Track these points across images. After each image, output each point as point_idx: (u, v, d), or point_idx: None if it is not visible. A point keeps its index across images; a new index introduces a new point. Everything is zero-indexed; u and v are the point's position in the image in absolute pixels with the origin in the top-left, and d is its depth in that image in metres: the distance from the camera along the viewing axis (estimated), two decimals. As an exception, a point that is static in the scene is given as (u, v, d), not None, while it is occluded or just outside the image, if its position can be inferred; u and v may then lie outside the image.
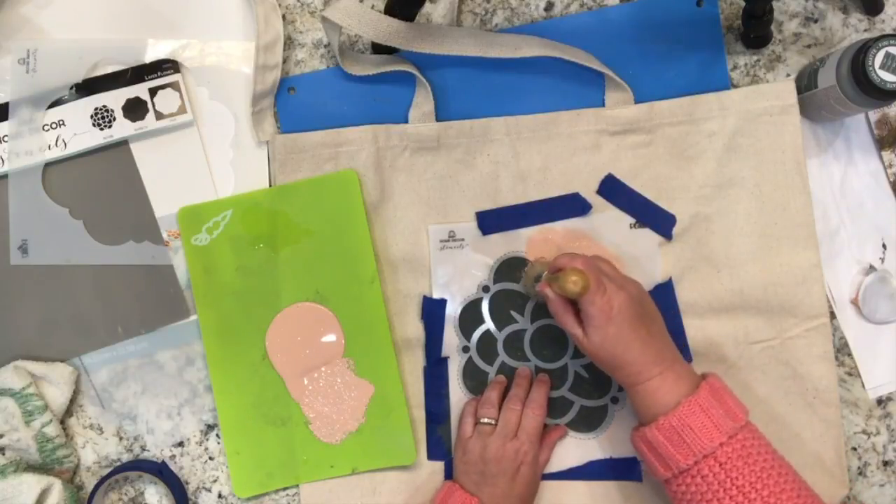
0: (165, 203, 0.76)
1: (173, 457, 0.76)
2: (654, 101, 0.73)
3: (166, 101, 0.75)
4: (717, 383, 0.63)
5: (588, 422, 0.74)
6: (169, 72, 0.75)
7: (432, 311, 0.74)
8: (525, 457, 0.69)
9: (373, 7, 0.72)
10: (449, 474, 0.73)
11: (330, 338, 0.74)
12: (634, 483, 0.73)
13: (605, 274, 0.64)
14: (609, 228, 0.73)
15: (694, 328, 0.72)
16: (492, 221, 0.74)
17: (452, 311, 0.74)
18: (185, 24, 0.76)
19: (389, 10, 0.70)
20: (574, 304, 0.65)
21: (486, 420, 0.70)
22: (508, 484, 0.68)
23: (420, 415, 0.75)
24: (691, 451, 0.60)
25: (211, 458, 0.76)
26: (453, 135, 0.74)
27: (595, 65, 0.72)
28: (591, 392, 0.74)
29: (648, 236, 0.73)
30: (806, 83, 0.71)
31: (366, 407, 0.74)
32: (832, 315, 0.73)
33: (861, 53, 0.64)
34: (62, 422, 0.75)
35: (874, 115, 0.74)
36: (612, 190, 0.73)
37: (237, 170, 0.76)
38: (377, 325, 0.74)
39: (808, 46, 0.75)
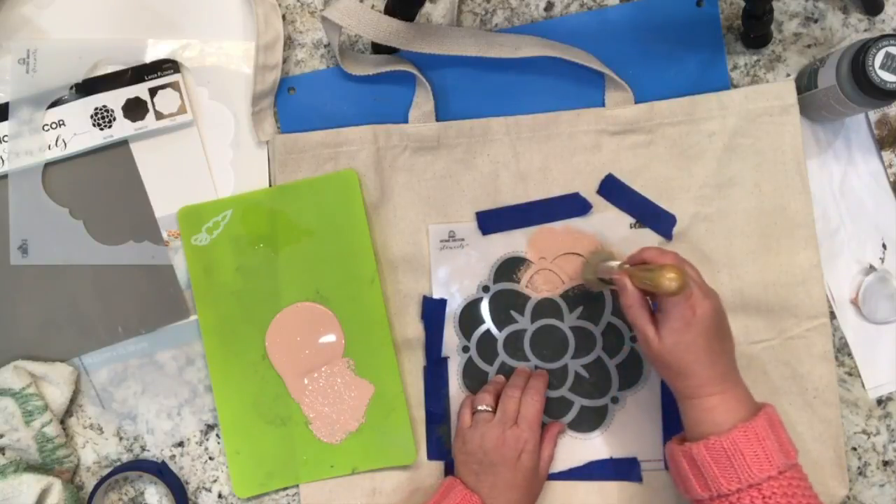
0: (165, 203, 0.76)
1: (173, 457, 0.76)
2: (654, 101, 0.73)
3: (166, 101, 0.75)
4: (774, 415, 0.60)
5: (588, 422, 0.74)
6: (169, 72, 0.75)
7: (432, 311, 0.74)
8: (526, 444, 0.67)
9: (373, 7, 0.71)
10: (449, 474, 0.73)
11: (330, 338, 0.74)
12: (634, 483, 0.73)
13: (691, 277, 0.61)
14: (609, 228, 0.73)
15: (694, 328, 0.72)
16: (492, 221, 0.74)
17: (452, 311, 0.74)
18: (185, 24, 0.76)
19: (389, 10, 0.70)
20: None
21: (482, 407, 0.70)
22: (510, 473, 0.67)
23: (420, 415, 0.75)
24: (737, 478, 0.57)
25: (211, 458, 0.76)
26: (453, 135, 0.74)
27: (595, 65, 0.72)
28: (591, 392, 0.74)
29: (648, 236, 0.73)
30: (806, 83, 0.71)
31: (366, 407, 0.74)
32: (832, 315, 0.73)
33: (861, 53, 0.64)
34: (62, 422, 0.75)
35: (874, 115, 0.74)
36: (613, 190, 0.73)
37: (237, 170, 0.76)
38: (377, 325, 0.74)
39: (808, 46, 0.75)
